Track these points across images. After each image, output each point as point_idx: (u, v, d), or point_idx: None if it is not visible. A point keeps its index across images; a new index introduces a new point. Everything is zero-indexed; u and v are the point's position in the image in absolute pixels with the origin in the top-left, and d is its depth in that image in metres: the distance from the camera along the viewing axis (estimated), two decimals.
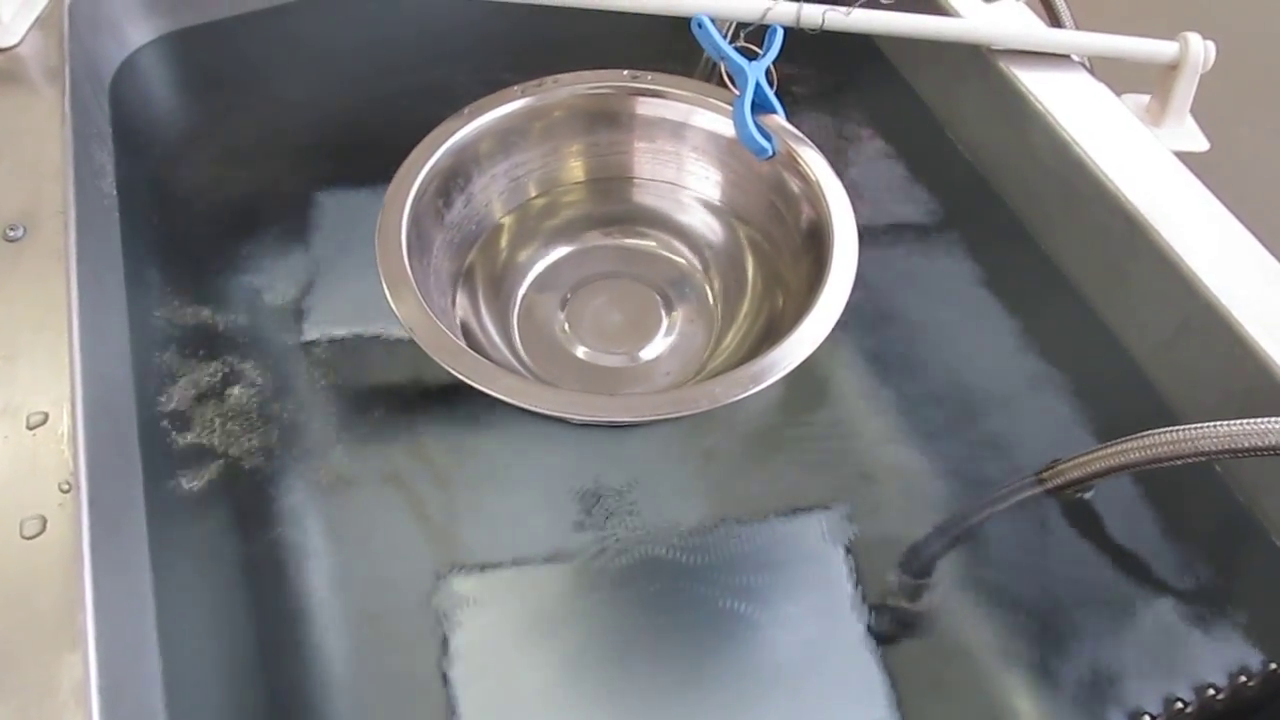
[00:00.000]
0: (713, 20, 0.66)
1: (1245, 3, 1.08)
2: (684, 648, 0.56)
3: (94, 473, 0.53)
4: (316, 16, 0.91)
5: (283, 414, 0.64)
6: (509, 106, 0.70)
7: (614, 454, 0.64)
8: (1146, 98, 0.76)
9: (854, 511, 0.61)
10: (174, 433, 0.63)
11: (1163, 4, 1.03)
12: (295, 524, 0.60)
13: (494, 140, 0.70)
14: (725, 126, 0.69)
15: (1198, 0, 1.05)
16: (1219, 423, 0.50)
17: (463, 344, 0.58)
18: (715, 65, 0.71)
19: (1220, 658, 0.56)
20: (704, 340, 0.68)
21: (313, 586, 0.57)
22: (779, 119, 0.68)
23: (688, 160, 0.73)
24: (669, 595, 0.57)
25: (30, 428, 0.53)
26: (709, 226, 0.73)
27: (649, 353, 0.67)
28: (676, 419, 0.56)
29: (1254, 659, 0.56)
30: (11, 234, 0.62)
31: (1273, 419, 0.48)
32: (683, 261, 0.72)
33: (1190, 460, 0.51)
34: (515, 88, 0.71)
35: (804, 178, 0.66)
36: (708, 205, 0.73)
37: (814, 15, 0.68)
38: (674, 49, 0.74)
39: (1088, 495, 0.61)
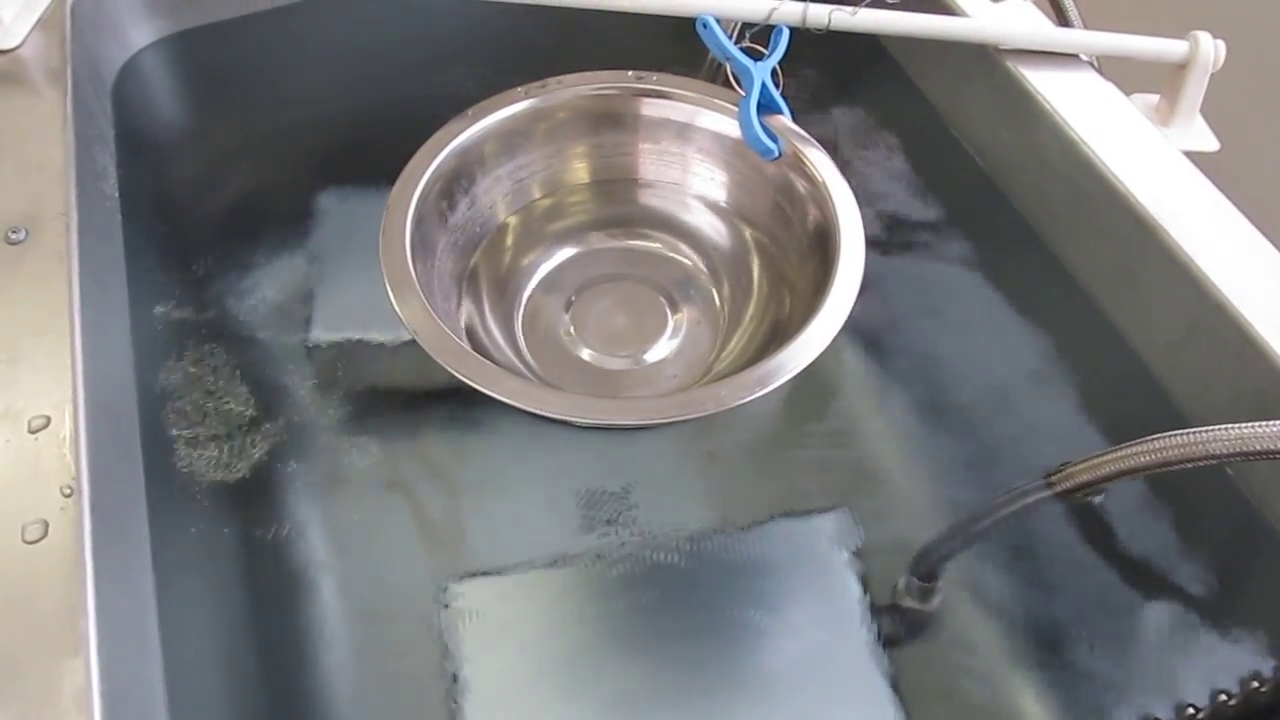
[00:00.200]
0: (718, 20, 0.66)
1: (1256, 1, 1.08)
2: (689, 652, 0.56)
3: (96, 477, 0.53)
4: (320, 17, 0.91)
5: (286, 417, 0.64)
6: (513, 108, 0.70)
7: (619, 457, 0.64)
8: (1156, 97, 0.76)
9: (861, 515, 0.61)
10: (176, 436, 0.63)
11: (1172, 3, 1.03)
12: (298, 528, 0.60)
13: (498, 142, 0.70)
14: (731, 127, 0.69)
15: None
16: (1230, 425, 0.49)
17: (467, 346, 0.58)
18: (720, 66, 0.70)
19: (1232, 663, 0.56)
20: (709, 343, 0.68)
21: (315, 591, 0.57)
22: (785, 120, 0.67)
23: (693, 162, 0.73)
24: (673, 599, 0.57)
25: (32, 431, 0.54)
26: (714, 228, 0.73)
27: (654, 355, 0.67)
28: (682, 422, 0.56)
29: (1266, 664, 0.56)
30: (13, 236, 0.62)
31: None
32: (688, 263, 0.72)
33: (1201, 464, 0.50)
34: (519, 89, 0.71)
35: (810, 179, 0.66)
36: (713, 207, 0.73)
37: (820, 15, 0.68)
38: (679, 50, 0.74)
39: (1097, 499, 0.60)
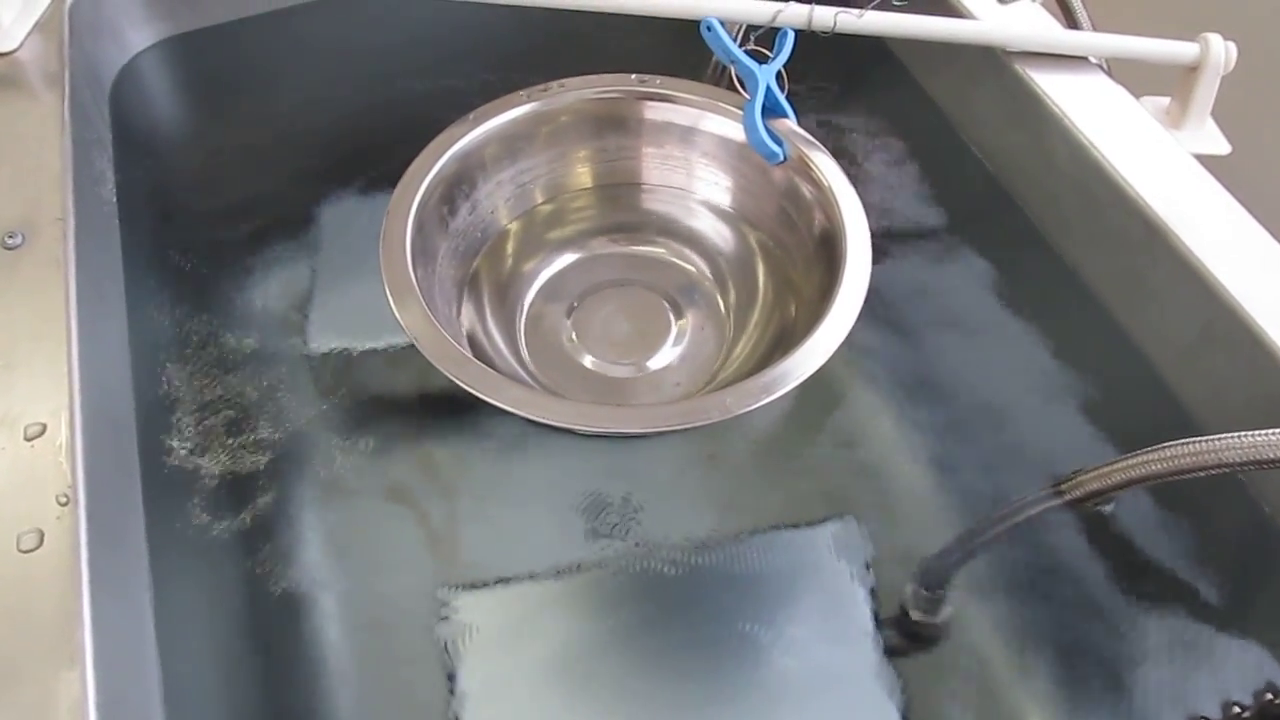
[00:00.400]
0: (722, 23, 0.66)
1: (1267, 2, 1.08)
2: (693, 664, 0.56)
3: (92, 485, 0.53)
4: (319, 20, 0.91)
5: (285, 424, 0.64)
6: (515, 111, 0.70)
7: (622, 466, 0.63)
8: (1166, 100, 0.76)
9: (867, 524, 0.60)
10: (174, 444, 0.63)
11: (1182, 4, 1.03)
12: (297, 537, 0.60)
13: (500, 146, 0.70)
14: (735, 131, 0.69)
15: (1218, 0, 1.04)
16: (1243, 433, 0.49)
17: (468, 353, 0.58)
18: (725, 69, 0.71)
19: (1246, 674, 0.55)
20: (714, 349, 0.68)
21: (314, 601, 0.57)
22: (790, 123, 0.67)
23: (697, 166, 0.73)
24: (677, 610, 0.57)
25: (28, 439, 0.53)
26: (719, 233, 0.73)
27: (658, 362, 0.67)
28: (686, 430, 0.56)
29: None
30: (10, 242, 0.62)
31: None
32: (692, 269, 0.72)
33: (1214, 472, 0.50)
34: (521, 92, 0.71)
35: (816, 183, 0.66)
36: (718, 211, 0.73)
37: (825, 18, 0.68)
38: (683, 53, 0.74)
39: (1108, 508, 0.60)
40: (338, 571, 0.58)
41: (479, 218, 0.71)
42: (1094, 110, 0.71)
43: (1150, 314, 0.67)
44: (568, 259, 0.73)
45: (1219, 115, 0.75)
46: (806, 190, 0.67)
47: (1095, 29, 0.77)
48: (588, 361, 0.67)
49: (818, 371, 0.56)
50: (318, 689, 0.55)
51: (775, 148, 0.65)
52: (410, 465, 0.63)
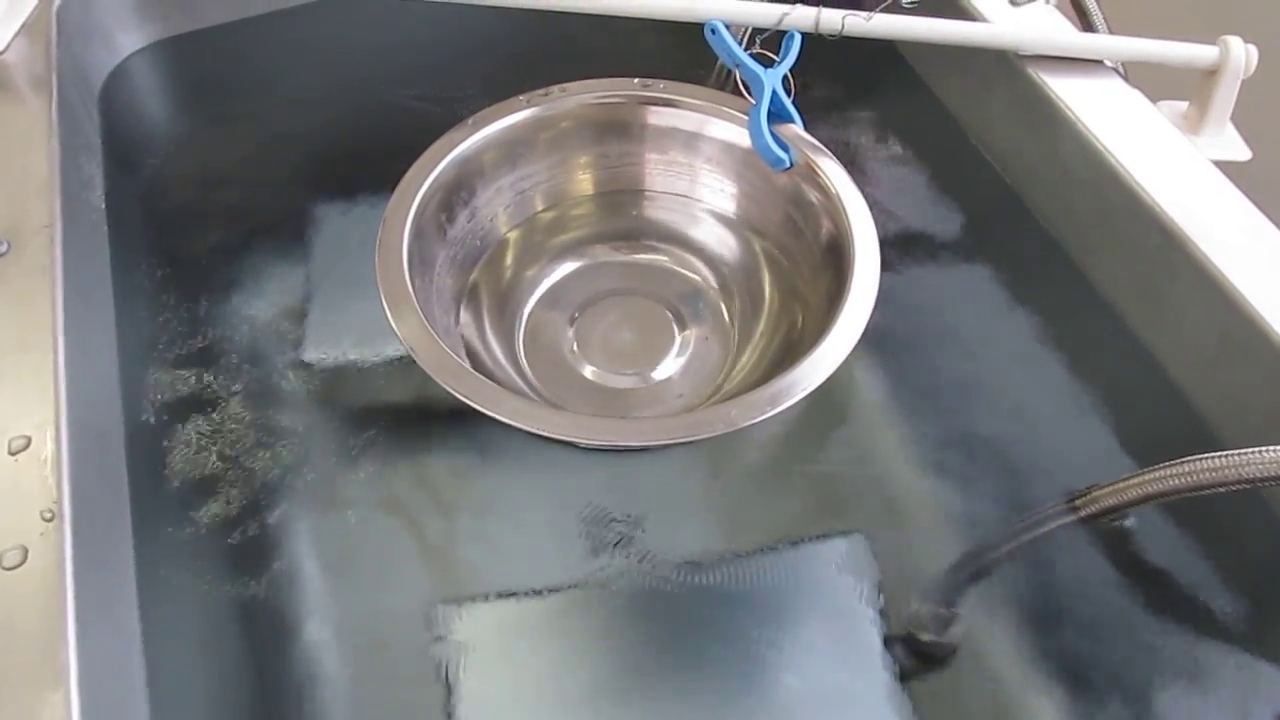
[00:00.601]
0: (727, 26, 0.66)
1: None
2: (697, 684, 0.56)
3: (78, 500, 0.53)
4: (314, 22, 0.91)
5: (278, 438, 0.64)
6: (514, 117, 0.70)
7: (624, 480, 0.63)
8: (1184, 104, 0.76)
9: (876, 539, 0.60)
10: (164, 458, 0.63)
11: (1201, 6, 1.03)
12: (290, 553, 0.60)
13: (499, 152, 0.70)
14: (740, 137, 0.69)
15: (1238, 2, 1.04)
16: (1265, 448, 0.49)
17: (466, 365, 0.58)
18: (730, 73, 0.71)
19: (1271, 695, 0.55)
20: (719, 360, 0.68)
21: (308, 619, 0.57)
22: (797, 129, 0.67)
23: (701, 172, 0.73)
24: (680, 628, 0.57)
25: (12, 453, 0.53)
26: (723, 241, 0.73)
27: (661, 373, 0.67)
28: (690, 443, 0.56)
29: None
30: None
31: None
32: (696, 278, 0.72)
33: (1234, 488, 0.50)
34: (521, 97, 0.71)
35: (823, 190, 0.66)
36: (722, 219, 0.73)
37: (833, 20, 0.68)
38: (687, 56, 0.74)
39: (1124, 524, 0.60)
40: (332, 589, 0.58)
41: (478, 225, 0.71)
42: (1110, 115, 0.71)
43: (1168, 324, 0.66)
44: (569, 268, 0.73)
45: (1239, 120, 0.75)
46: (813, 197, 0.67)
47: (1111, 31, 0.77)
48: (589, 372, 0.67)
49: (825, 383, 0.56)
50: (311, 711, 0.54)
51: (781, 154, 0.65)
52: (407, 479, 0.63)
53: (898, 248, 0.73)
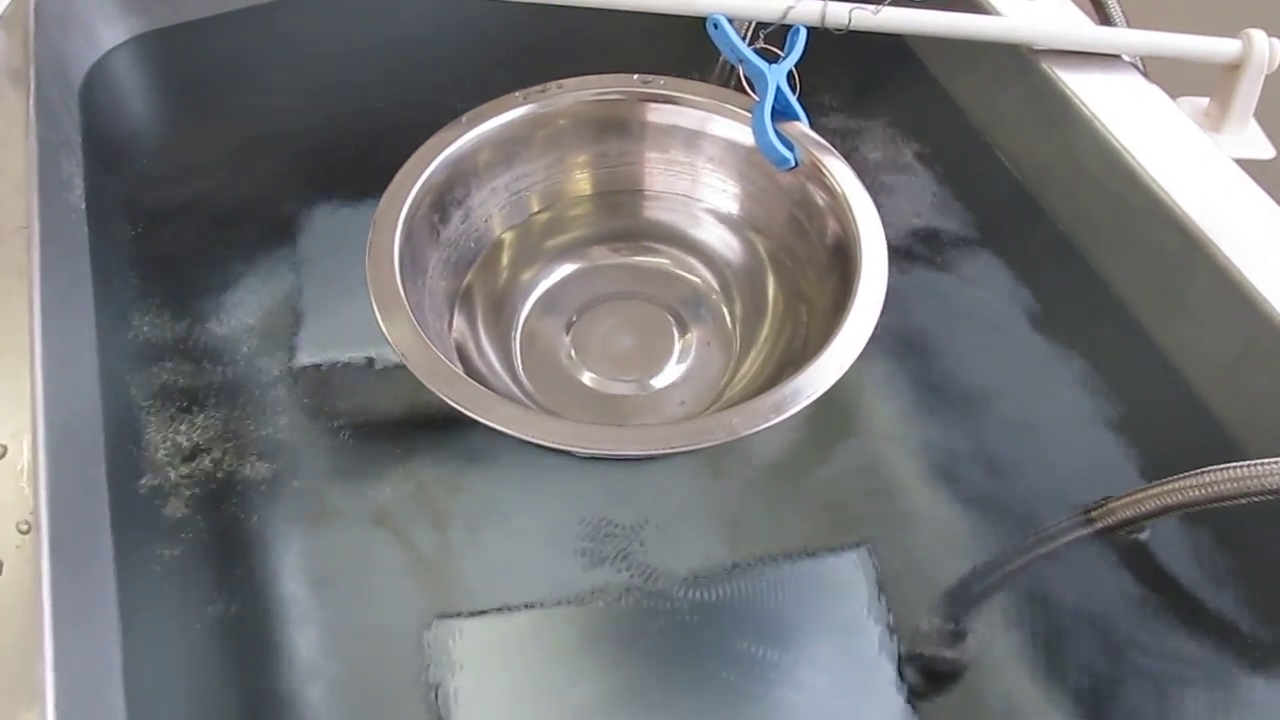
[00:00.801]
0: (730, 20, 0.66)
1: None
2: (699, 701, 0.56)
3: (56, 512, 0.53)
4: (303, 15, 0.91)
5: (265, 446, 0.64)
6: (510, 114, 0.70)
7: (623, 490, 0.63)
8: (1205, 101, 0.76)
9: (884, 552, 0.60)
10: (146, 468, 0.63)
11: None
12: (278, 567, 0.60)
13: (494, 151, 0.70)
14: (744, 135, 0.69)
15: None
16: None
17: (459, 370, 0.58)
18: (733, 69, 0.71)
19: None
20: (721, 366, 0.68)
21: (297, 635, 0.57)
22: (802, 126, 0.68)
23: (703, 171, 0.73)
24: (683, 642, 0.57)
25: None
26: (726, 243, 0.73)
27: (661, 380, 0.67)
28: (691, 452, 0.56)
29: None
30: None
31: None
32: (698, 281, 0.72)
33: (1256, 499, 0.50)
34: (517, 94, 0.71)
35: (829, 190, 0.66)
36: (725, 220, 0.73)
37: (840, 14, 0.69)
38: (688, 52, 0.74)
39: (1142, 536, 0.60)
40: (319, 604, 0.58)
41: (472, 227, 0.71)
42: (1127, 112, 0.71)
43: (1188, 329, 0.66)
44: (566, 270, 0.73)
45: (1262, 117, 0.75)
46: (819, 197, 0.67)
47: (1129, 25, 0.77)
48: (587, 379, 0.67)
49: (831, 390, 0.56)
50: None
51: (786, 152, 0.65)
52: (397, 490, 0.63)
53: (906, 250, 0.73)
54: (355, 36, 0.91)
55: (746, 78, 0.68)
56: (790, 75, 0.67)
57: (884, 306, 0.59)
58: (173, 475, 0.62)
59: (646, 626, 0.58)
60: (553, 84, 0.71)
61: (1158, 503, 0.54)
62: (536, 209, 0.74)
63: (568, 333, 0.69)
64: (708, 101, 0.71)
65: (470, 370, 0.63)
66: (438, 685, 0.55)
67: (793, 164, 0.66)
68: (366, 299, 0.60)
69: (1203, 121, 0.75)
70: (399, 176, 0.66)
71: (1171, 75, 0.75)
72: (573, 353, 0.68)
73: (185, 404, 0.65)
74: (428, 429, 0.66)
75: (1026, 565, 0.60)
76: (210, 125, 0.85)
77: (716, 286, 0.72)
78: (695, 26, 0.67)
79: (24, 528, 0.51)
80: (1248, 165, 0.68)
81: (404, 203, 0.65)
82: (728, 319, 0.70)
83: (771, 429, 0.55)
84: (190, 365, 0.68)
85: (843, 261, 0.64)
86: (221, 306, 0.71)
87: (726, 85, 0.73)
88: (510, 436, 0.54)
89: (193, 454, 0.63)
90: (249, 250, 0.75)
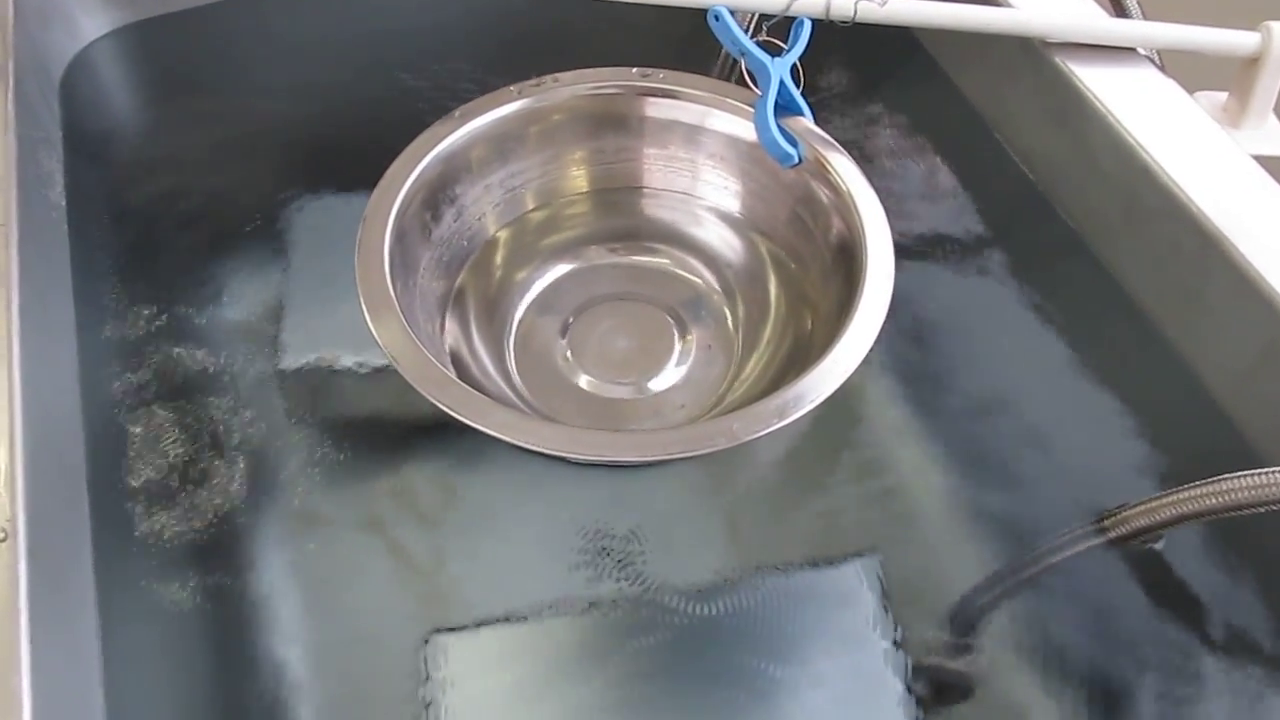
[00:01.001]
0: (732, 12, 0.66)
1: None
2: (701, 716, 0.56)
3: (35, 518, 0.53)
4: (291, 6, 0.91)
5: (251, 452, 0.64)
6: (504, 109, 0.70)
7: (621, 497, 0.64)
8: (1224, 96, 0.76)
9: (891, 562, 0.60)
10: (127, 474, 0.63)
11: None
12: (264, 576, 0.60)
13: (487, 146, 0.71)
14: (746, 130, 0.70)
15: None
16: None
17: (452, 374, 0.58)
18: (735, 62, 0.71)
19: None
20: (721, 369, 0.68)
21: (283, 647, 0.57)
22: (806, 122, 0.68)
23: (703, 168, 0.73)
24: (682, 657, 0.57)
25: None
26: (727, 242, 0.73)
27: (660, 383, 0.67)
28: (690, 458, 0.56)
29: None
30: None
31: None
32: (698, 281, 0.72)
33: (1275, 508, 0.50)
34: (511, 88, 0.71)
35: (834, 187, 0.66)
36: (726, 218, 0.74)
37: (845, 6, 0.69)
38: (689, 44, 0.74)
39: (1157, 546, 0.60)
40: (308, 615, 0.59)
41: (464, 225, 0.71)
42: (1143, 107, 0.71)
43: (1205, 332, 0.67)
44: (562, 270, 0.73)
45: None
46: (823, 195, 0.67)
47: (1145, 17, 0.77)
48: (583, 382, 0.67)
49: (835, 394, 0.56)
50: None
51: (789, 148, 0.65)
52: (390, 497, 0.63)
53: (914, 250, 0.74)
54: (344, 28, 0.91)
55: (749, 71, 0.68)
56: (794, 69, 0.67)
57: (890, 308, 0.59)
58: (155, 480, 0.62)
59: (644, 640, 0.58)
60: (548, 77, 0.72)
61: (1173, 511, 0.54)
62: (531, 207, 0.74)
63: (564, 335, 0.69)
64: (709, 96, 0.71)
65: (462, 373, 0.63)
66: (430, 702, 0.55)
67: (796, 160, 0.66)
68: (355, 299, 0.60)
69: (1221, 117, 0.75)
70: (389, 173, 0.66)
71: (1188, 69, 0.75)
72: (569, 355, 0.69)
73: (168, 407, 0.66)
74: (419, 434, 0.66)
75: (1037, 576, 0.60)
76: (195, 120, 0.85)
77: (717, 287, 0.72)
78: (696, 18, 0.68)
79: (1, 534, 0.51)
80: (1268, 162, 0.68)
81: (394, 200, 0.65)
82: (729, 321, 0.70)
83: (774, 434, 0.55)
84: (173, 367, 0.68)
85: (848, 261, 0.64)
86: (206, 307, 0.71)
87: (728, 79, 0.73)
88: (504, 442, 0.54)
89: (175, 458, 0.63)
90: (234, 249, 0.75)
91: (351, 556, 0.61)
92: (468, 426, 0.55)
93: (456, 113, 0.69)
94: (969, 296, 0.73)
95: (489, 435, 0.54)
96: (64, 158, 0.77)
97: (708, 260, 0.73)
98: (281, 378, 0.68)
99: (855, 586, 0.60)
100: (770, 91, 0.65)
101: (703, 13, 0.67)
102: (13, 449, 0.54)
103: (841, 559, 0.61)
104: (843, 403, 0.59)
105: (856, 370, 0.57)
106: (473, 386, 0.58)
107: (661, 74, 0.72)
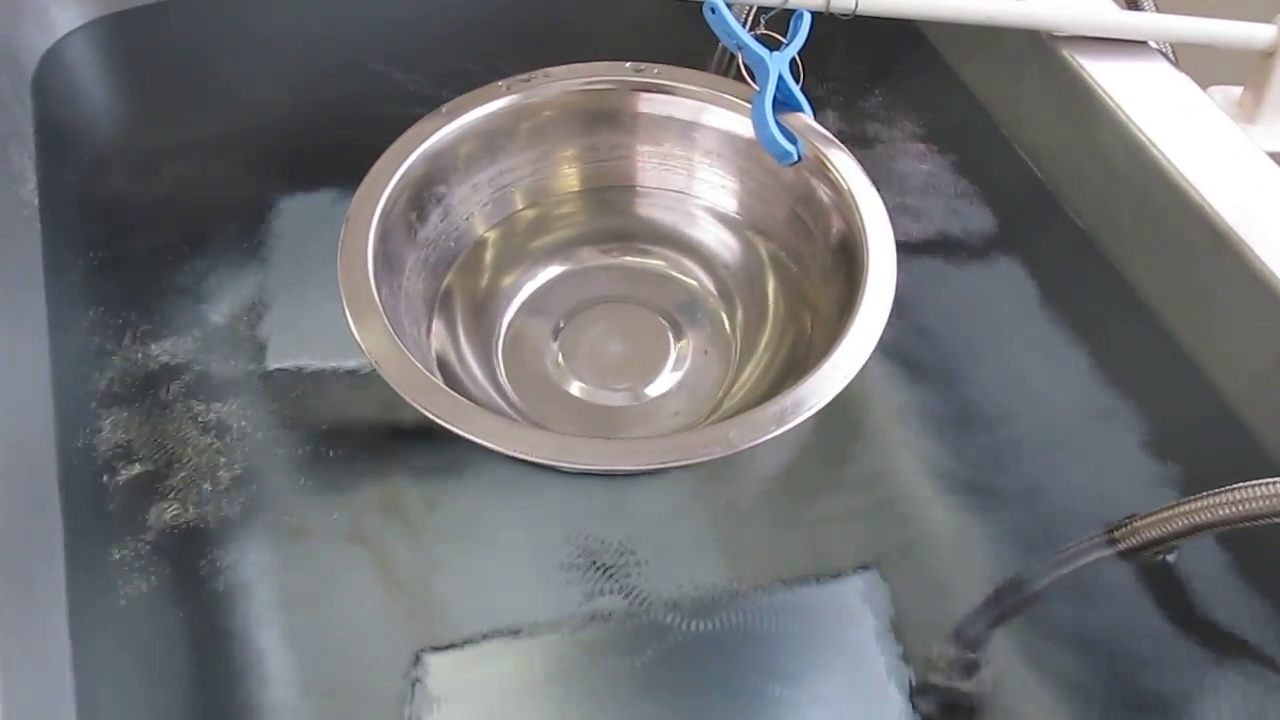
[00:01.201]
0: (729, 4, 0.66)
1: None
2: None
3: (5, 527, 0.53)
4: None
5: (231, 459, 0.64)
6: (493, 105, 0.70)
7: (615, 508, 0.64)
8: (1238, 90, 0.77)
9: (894, 575, 0.60)
10: (102, 480, 0.63)
11: None
12: (244, 588, 0.60)
13: (475, 144, 0.71)
14: (743, 127, 0.70)
15: None
16: None
17: (438, 380, 0.58)
18: (732, 56, 0.71)
19: None
20: (718, 374, 0.68)
21: (264, 663, 0.57)
22: (805, 118, 0.68)
23: (699, 166, 0.74)
24: (677, 671, 0.57)
25: None
26: (724, 243, 0.73)
27: (655, 389, 0.68)
28: (686, 467, 0.56)
29: None
30: None
31: None
32: (694, 283, 0.72)
33: None
34: (500, 83, 0.71)
35: (834, 185, 0.66)
36: (723, 218, 0.74)
37: None
38: (684, 38, 0.74)
39: (1169, 558, 0.60)
40: (288, 629, 0.58)
41: (452, 225, 0.71)
42: (1154, 102, 0.71)
43: (1218, 336, 0.67)
44: (553, 272, 0.73)
45: None
46: (823, 193, 0.67)
47: (1157, 9, 0.77)
48: (575, 389, 0.68)
49: (835, 399, 0.56)
50: None
51: (788, 145, 0.65)
52: (375, 507, 0.63)
53: (917, 250, 0.74)
54: (327, 21, 0.91)
55: (746, 66, 0.68)
56: (793, 63, 0.67)
57: (892, 310, 0.60)
58: (130, 489, 0.62)
59: (637, 657, 0.58)
60: (539, 72, 0.72)
61: (1186, 522, 0.54)
62: (521, 206, 0.74)
63: (555, 339, 0.69)
64: (705, 91, 0.71)
65: (450, 379, 0.63)
66: (414, 713, 0.55)
67: (795, 158, 0.66)
68: (339, 303, 0.60)
69: (1235, 112, 0.75)
70: (374, 171, 0.66)
71: (1202, 63, 0.75)
72: (560, 360, 0.69)
73: (144, 412, 0.65)
74: (404, 442, 0.66)
75: (1046, 589, 0.60)
76: (172, 115, 0.85)
77: (714, 289, 0.72)
78: (692, 11, 0.68)
79: None
80: None
81: (379, 199, 0.65)
82: (726, 324, 0.70)
83: (772, 442, 0.55)
84: (149, 371, 0.68)
85: (848, 262, 0.64)
86: (184, 309, 0.71)
87: (725, 74, 0.73)
88: (492, 450, 0.55)
89: (152, 467, 0.63)
90: (213, 248, 0.75)
91: (334, 568, 0.61)
92: (455, 434, 0.55)
93: (443, 109, 0.69)
94: (974, 298, 0.73)
95: (476, 443, 0.55)
96: (36, 154, 0.77)
97: (704, 261, 0.73)
98: (261, 382, 0.68)
99: (856, 600, 0.60)
100: (768, 87, 0.66)
101: (699, 5, 0.67)
102: None
103: (843, 571, 0.61)
104: (843, 408, 0.59)
105: (857, 375, 0.57)
106: (460, 393, 0.58)
107: (656, 68, 0.72)
